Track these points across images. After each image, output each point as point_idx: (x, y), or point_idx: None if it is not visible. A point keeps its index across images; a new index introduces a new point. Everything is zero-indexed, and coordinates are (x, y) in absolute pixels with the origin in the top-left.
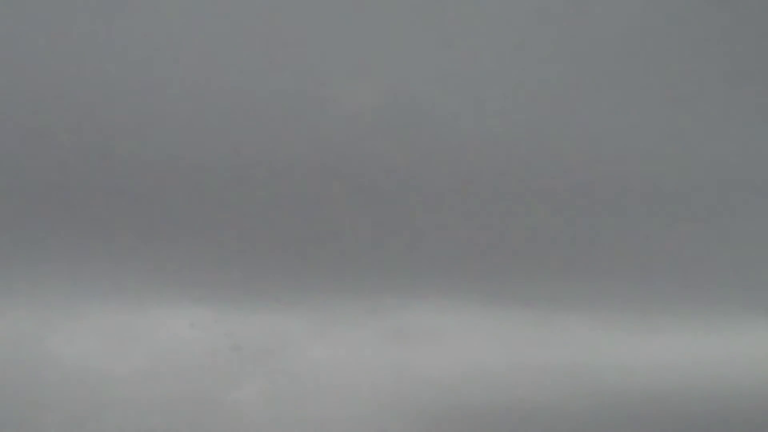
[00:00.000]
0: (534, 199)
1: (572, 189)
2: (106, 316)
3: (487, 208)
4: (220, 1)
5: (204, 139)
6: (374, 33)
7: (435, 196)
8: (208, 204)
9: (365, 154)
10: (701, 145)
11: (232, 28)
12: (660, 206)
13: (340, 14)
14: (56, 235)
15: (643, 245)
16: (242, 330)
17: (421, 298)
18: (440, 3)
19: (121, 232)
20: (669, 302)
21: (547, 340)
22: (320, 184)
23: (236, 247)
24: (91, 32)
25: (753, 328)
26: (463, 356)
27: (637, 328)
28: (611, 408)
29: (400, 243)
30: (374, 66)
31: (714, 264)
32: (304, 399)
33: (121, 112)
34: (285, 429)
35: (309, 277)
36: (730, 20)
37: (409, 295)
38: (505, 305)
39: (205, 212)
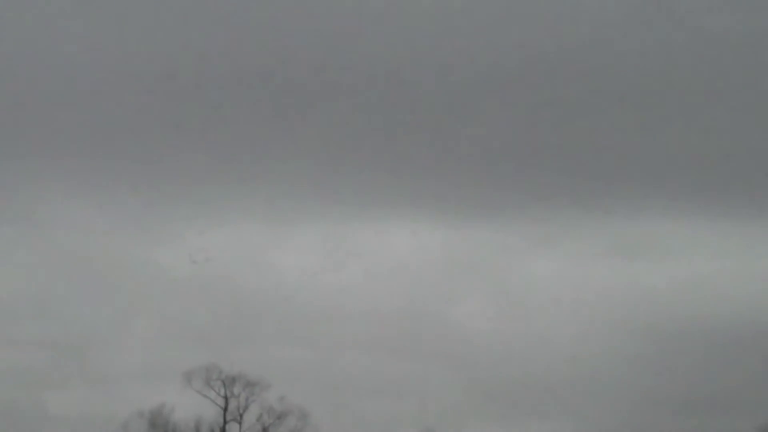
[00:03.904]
0: None
1: None
2: (326, 231)
3: (719, 123)
4: None
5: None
6: None
7: (666, 106)
8: (427, 122)
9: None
10: None
11: None
12: None
13: None
14: (279, 161)
15: None
16: (464, 244)
17: (643, 213)
18: None
19: (344, 154)
20: None
21: None
22: (550, 88)
23: (455, 165)
24: None
25: None
26: (688, 269)
27: None
28: None
29: (624, 158)
30: None
31: None
32: (527, 314)
33: None
34: (508, 343)
35: (532, 191)
36: None
37: (631, 210)
38: (729, 219)
39: (427, 131)
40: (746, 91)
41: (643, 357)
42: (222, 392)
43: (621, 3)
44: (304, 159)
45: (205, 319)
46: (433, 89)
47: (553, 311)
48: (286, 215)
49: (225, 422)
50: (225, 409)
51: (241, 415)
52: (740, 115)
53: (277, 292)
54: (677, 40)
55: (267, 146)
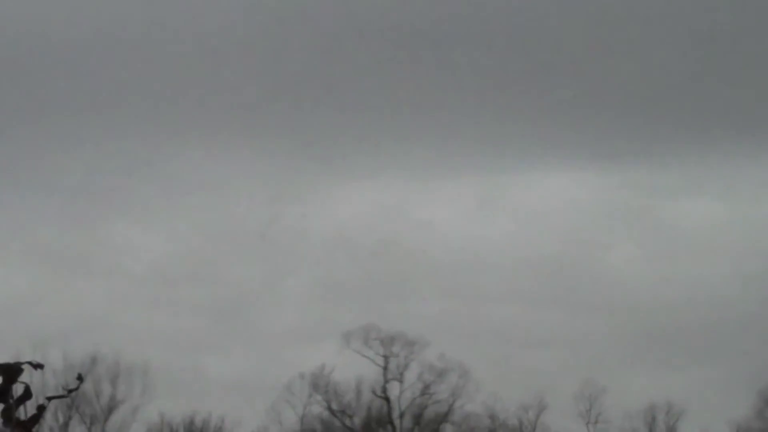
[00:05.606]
0: None
1: None
2: (476, 182)
3: None
4: None
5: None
6: None
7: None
8: (576, 67)
9: None
10: None
11: None
12: None
13: None
14: (427, 113)
15: None
16: (616, 189)
17: None
18: None
19: (492, 104)
20: None
21: None
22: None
23: (606, 109)
24: None
25: None
26: None
27: None
28: None
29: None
30: None
31: None
32: (682, 258)
33: None
34: (663, 288)
35: (685, 132)
36: None
37: None
38: None
39: (577, 75)
40: None
41: None
42: (381, 352)
43: None
44: (453, 111)
45: (357, 278)
46: (579, 31)
47: (707, 254)
48: (434, 168)
49: (386, 381)
50: (385, 369)
51: (401, 374)
52: None
53: (428, 246)
54: None
55: (415, 99)
